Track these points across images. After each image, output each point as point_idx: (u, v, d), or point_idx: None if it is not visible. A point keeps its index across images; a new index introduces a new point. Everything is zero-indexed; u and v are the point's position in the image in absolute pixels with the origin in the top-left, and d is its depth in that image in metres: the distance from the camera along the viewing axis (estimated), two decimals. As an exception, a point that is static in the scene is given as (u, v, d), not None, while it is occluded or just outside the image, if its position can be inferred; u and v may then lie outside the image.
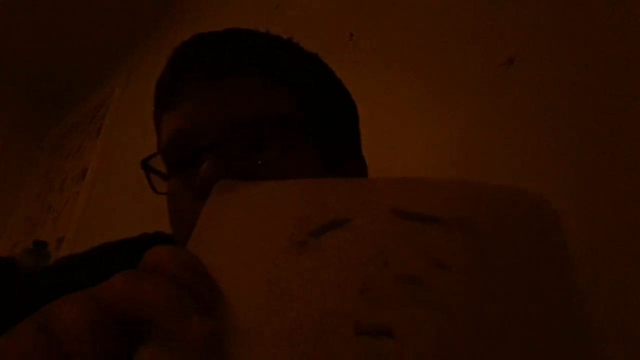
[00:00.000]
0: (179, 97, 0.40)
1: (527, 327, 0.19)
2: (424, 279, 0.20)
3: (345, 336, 0.18)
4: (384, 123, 0.80)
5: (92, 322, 0.19)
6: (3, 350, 0.19)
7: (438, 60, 0.80)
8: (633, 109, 0.54)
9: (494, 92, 0.69)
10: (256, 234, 0.23)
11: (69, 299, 0.21)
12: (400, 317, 0.19)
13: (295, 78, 0.41)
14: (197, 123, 0.38)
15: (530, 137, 0.63)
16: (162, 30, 1.94)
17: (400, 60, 0.86)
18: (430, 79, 0.79)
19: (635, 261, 0.49)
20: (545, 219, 0.23)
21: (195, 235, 0.25)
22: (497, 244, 0.21)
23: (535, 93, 0.65)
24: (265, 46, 0.43)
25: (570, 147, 0.58)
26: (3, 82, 2.46)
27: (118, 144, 1.89)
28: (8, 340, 0.20)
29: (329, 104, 0.44)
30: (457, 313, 0.19)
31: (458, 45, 0.77)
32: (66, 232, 1.86)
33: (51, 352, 0.19)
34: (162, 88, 0.43)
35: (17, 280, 0.49)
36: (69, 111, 2.49)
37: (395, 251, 0.21)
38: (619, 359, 0.46)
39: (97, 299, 0.20)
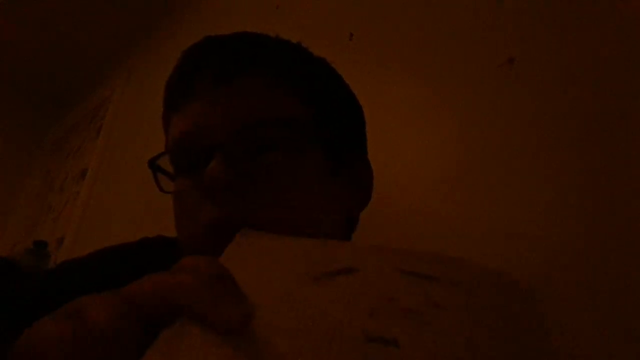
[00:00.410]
0: (187, 99, 0.40)
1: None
2: (423, 312, 0.23)
3: (356, 340, 0.21)
4: (384, 123, 0.80)
5: (122, 322, 0.20)
6: (34, 333, 0.20)
7: (438, 60, 0.80)
8: (633, 109, 0.54)
9: (494, 92, 0.69)
10: (274, 272, 0.26)
11: (98, 298, 0.21)
12: (405, 334, 0.21)
13: (302, 82, 0.42)
14: (204, 125, 0.38)
15: (530, 137, 0.63)
16: (162, 30, 1.94)
17: (400, 60, 0.86)
18: (430, 79, 0.79)
19: (636, 261, 0.49)
20: (527, 300, 0.27)
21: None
22: (486, 305, 0.25)
23: (535, 93, 0.65)
24: (273, 50, 0.44)
25: (571, 147, 0.58)
26: (3, 82, 2.46)
27: (118, 144, 1.89)
28: (39, 325, 0.20)
29: (335, 108, 0.44)
30: (453, 335, 0.22)
31: (458, 45, 0.77)
32: (66, 232, 1.85)
33: (82, 339, 0.19)
34: (171, 90, 0.44)
35: (17, 280, 0.50)
36: (69, 111, 2.49)
37: (399, 292, 0.24)
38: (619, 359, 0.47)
39: (127, 298, 0.21)
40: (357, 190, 0.46)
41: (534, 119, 0.63)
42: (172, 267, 0.24)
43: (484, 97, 0.70)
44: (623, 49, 0.58)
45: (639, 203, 0.51)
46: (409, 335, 0.21)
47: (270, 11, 1.26)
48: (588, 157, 0.56)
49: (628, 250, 0.50)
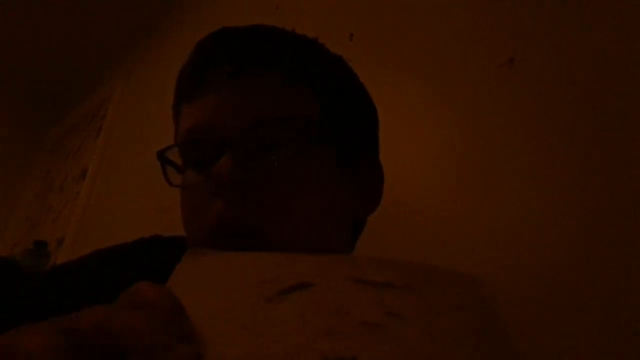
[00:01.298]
0: (201, 90, 0.40)
1: None
2: (381, 323, 0.22)
3: None
4: (384, 123, 0.80)
5: (57, 355, 0.18)
6: None
7: (438, 60, 0.79)
8: (633, 109, 0.54)
9: (494, 92, 0.69)
10: (227, 292, 0.26)
11: (34, 328, 0.19)
12: (363, 349, 0.21)
13: (317, 80, 0.41)
14: (216, 120, 0.38)
15: (530, 137, 0.63)
16: (162, 30, 1.94)
17: (401, 60, 0.86)
18: (431, 79, 0.79)
19: (636, 261, 0.49)
20: (484, 299, 0.26)
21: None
22: (442, 304, 0.24)
23: (535, 93, 0.65)
24: (290, 45, 0.43)
25: (570, 146, 0.58)
26: (3, 82, 2.46)
27: (118, 144, 1.89)
28: None
29: (349, 109, 0.44)
30: (413, 346, 0.21)
31: (458, 45, 0.77)
32: (66, 232, 1.85)
33: None
34: (184, 80, 0.43)
35: (17, 280, 0.49)
36: (69, 111, 2.49)
37: (354, 305, 0.23)
38: None
39: (67, 330, 0.19)
40: (366, 194, 0.45)
41: (534, 119, 0.63)
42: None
43: (484, 97, 0.70)
44: (623, 49, 0.58)
45: (639, 203, 0.51)
46: (368, 352, 0.21)
47: (271, 11, 1.26)
48: (588, 157, 0.56)
49: (628, 250, 0.50)
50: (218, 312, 0.24)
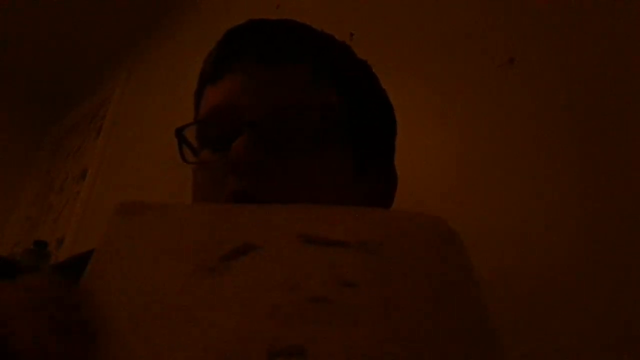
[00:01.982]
0: (228, 71, 0.40)
1: (435, 334, 0.20)
2: (332, 298, 0.20)
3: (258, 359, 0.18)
4: (384, 123, 0.80)
5: None
6: None
7: (438, 60, 0.79)
8: (633, 109, 0.54)
9: (494, 92, 0.69)
10: (163, 259, 0.23)
11: None
12: (312, 337, 0.19)
13: (343, 77, 0.41)
14: (239, 100, 0.38)
15: (530, 137, 0.63)
16: (162, 30, 1.94)
17: (400, 60, 0.86)
18: (431, 79, 0.79)
19: (636, 261, 0.49)
20: (444, 240, 0.25)
21: (96, 259, 0.24)
22: (400, 263, 0.22)
23: (535, 93, 0.65)
24: (320, 41, 0.44)
25: (571, 146, 0.58)
26: (3, 82, 2.46)
27: (118, 144, 1.89)
28: None
29: (371, 111, 0.44)
30: (365, 326, 0.19)
31: (458, 45, 0.77)
32: (66, 232, 1.85)
33: None
34: (210, 64, 0.43)
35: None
36: (69, 111, 2.49)
37: (303, 275, 0.21)
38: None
39: None
40: (378, 198, 0.45)
41: (534, 119, 0.63)
42: None
43: (484, 97, 0.70)
44: (623, 49, 0.58)
45: (639, 203, 0.51)
46: (316, 337, 0.19)
47: (271, 11, 1.26)
48: (588, 157, 0.56)
49: (628, 250, 0.50)
50: (150, 289, 0.21)
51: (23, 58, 2.33)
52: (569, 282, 0.53)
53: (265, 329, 0.19)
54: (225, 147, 0.36)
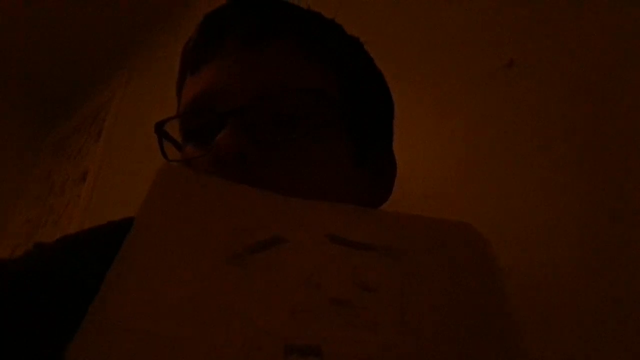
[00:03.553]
0: (209, 58, 0.36)
1: (451, 345, 0.20)
2: (352, 301, 0.20)
3: (274, 354, 0.18)
4: (384, 124, 0.80)
5: None
6: None
7: (438, 61, 0.80)
8: (634, 110, 0.54)
9: (495, 94, 0.69)
10: (196, 240, 0.23)
11: None
12: (330, 338, 0.19)
13: (334, 55, 0.38)
14: (224, 85, 0.34)
15: (531, 138, 0.63)
16: (163, 33, 1.94)
17: (400, 62, 0.86)
18: (431, 81, 0.79)
19: (636, 261, 0.49)
20: (470, 248, 0.24)
21: (137, 231, 0.24)
22: (422, 271, 0.22)
23: (535, 95, 0.65)
24: (305, 17, 0.40)
25: (571, 148, 0.58)
26: (3, 84, 2.46)
27: (119, 147, 1.89)
28: None
29: (366, 90, 0.40)
30: (381, 332, 0.20)
31: (458, 47, 0.77)
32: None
33: None
34: (190, 51, 0.39)
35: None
36: (69, 114, 2.50)
37: (327, 274, 0.21)
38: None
39: None
40: (378, 185, 0.42)
41: (534, 120, 0.63)
42: None
43: (484, 99, 0.70)
44: (623, 49, 0.58)
45: (639, 203, 0.51)
46: (333, 339, 0.19)
47: (271, 13, 1.26)
48: (589, 158, 0.56)
49: (629, 250, 0.50)
50: (179, 272, 0.21)
51: (24, 61, 2.33)
52: (571, 282, 0.53)
53: (285, 326, 0.19)
54: (209, 140, 0.33)
